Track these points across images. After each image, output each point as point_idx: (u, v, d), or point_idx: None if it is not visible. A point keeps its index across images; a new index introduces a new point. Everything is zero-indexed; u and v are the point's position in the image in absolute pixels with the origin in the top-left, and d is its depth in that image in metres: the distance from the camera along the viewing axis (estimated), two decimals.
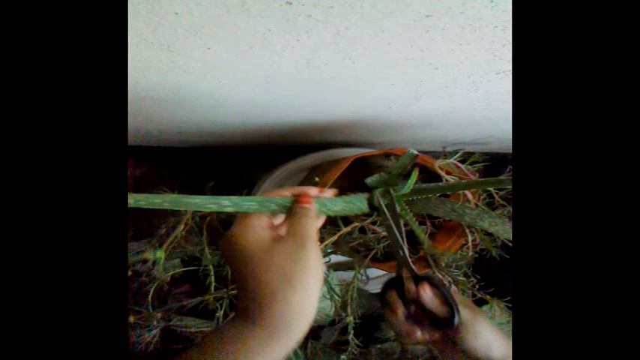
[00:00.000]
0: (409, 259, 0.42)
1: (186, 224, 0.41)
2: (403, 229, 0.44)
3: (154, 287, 0.40)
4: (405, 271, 0.42)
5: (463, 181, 0.51)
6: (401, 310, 0.40)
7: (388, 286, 0.43)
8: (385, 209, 0.45)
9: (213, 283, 0.39)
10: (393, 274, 0.43)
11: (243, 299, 0.29)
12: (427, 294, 0.39)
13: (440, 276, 0.49)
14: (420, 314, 0.40)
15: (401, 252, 0.43)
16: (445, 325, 0.38)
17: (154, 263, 0.38)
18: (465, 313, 0.38)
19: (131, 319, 0.35)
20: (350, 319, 0.43)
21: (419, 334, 0.39)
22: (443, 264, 0.48)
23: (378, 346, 0.62)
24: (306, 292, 0.29)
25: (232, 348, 0.27)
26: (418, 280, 0.41)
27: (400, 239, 0.43)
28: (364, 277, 0.50)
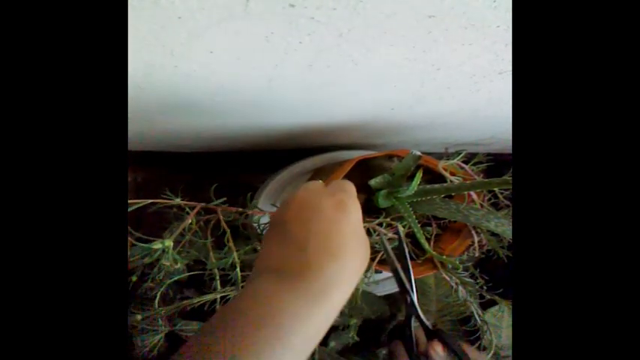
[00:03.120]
0: (419, 309, 0.37)
1: (190, 228, 0.41)
2: (411, 266, 0.39)
3: (161, 291, 0.40)
4: (414, 321, 0.38)
5: (468, 181, 0.51)
6: None
7: (394, 334, 0.39)
8: (387, 248, 0.39)
9: (220, 288, 0.38)
10: (401, 320, 0.40)
11: (295, 254, 0.27)
12: (438, 353, 0.36)
13: (447, 277, 0.48)
14: None
15: (408, 298, 0.38)
16: None
17: (160, 268, 0.38)
18: None
19: (137, 321, 0.35)
20: (354, 321, 0.43)
21: None
22: (449, 266, 0.48)
23: (386, 350, 0.61)
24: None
25: (273, 310, 0.24)
26: (429, 334, 0.37)
27: (408, 283, 0.38)
28: (371, 280, 0.50)
